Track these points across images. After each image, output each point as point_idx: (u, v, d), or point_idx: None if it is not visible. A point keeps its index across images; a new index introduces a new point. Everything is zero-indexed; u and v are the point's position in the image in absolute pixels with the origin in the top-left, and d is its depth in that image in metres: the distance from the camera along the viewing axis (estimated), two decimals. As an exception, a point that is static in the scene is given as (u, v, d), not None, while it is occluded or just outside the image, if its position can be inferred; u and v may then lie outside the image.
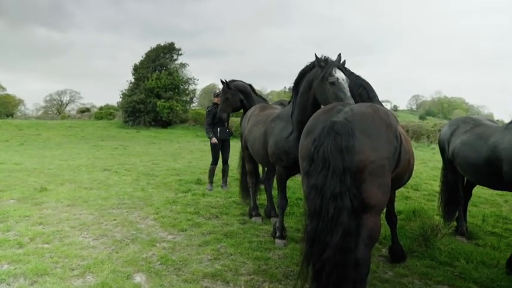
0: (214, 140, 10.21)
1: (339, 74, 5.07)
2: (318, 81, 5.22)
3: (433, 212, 8.04)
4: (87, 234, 6.60)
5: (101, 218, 7.52)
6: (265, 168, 9.18)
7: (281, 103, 8.86)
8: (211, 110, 10.27)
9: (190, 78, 45.16)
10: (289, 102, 6.30)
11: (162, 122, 41.95)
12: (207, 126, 10.35)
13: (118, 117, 47.94)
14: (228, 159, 10.73)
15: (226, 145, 10.63)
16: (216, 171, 10.90)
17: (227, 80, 8.73)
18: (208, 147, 11.66)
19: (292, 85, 5.80)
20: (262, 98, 9.09)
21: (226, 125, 10.44)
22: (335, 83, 5.00)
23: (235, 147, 13.27)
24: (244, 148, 7.72)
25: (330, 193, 3.59)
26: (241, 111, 9.08)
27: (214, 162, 10.63)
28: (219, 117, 8.97)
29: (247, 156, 7.77)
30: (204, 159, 16.15)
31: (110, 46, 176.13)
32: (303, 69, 5.57)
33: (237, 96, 8.67)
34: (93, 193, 9.60)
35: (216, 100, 10.37)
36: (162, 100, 41.64)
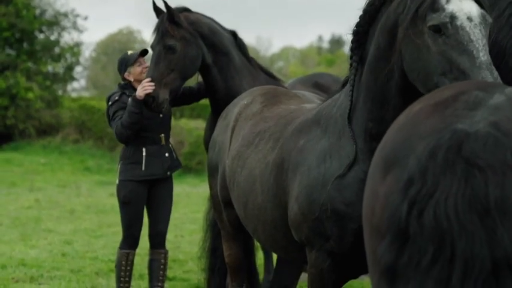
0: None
1: (457, 4, 2.63)
2: (405, 27, 2.74)
3: None
4: None
5: None
6: (273, 260, 5.20)
7: (316, 82, 5.33)
8: (119, 101, 4.57)
9: (65, 14, 20.41)
10: (344, 84, 3.19)
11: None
12: (120, 126, 4.56)
13: None
14: (165, 231, 4.93)
15: (163, 195, 4.81)
16: (134, 265, 4.94)
17: (171, 7, 4.50)
18: (116, 201, 5.10)
19: (351, 36, 3.02)
20: (263, 71, 4.86)
21: (161, 141, 4.70)
22: (447, 31, 2.60)
23: (192, 198, 9.18)
24: (221, 203, 3.97)
25: None
26: (206, 103, 4.98)
27: (130, 242, 4.83)
28: (151, 106, 4.28)
29: (228, 225, 4.01)
30: (109, 235, 8.01)
31: None
32: None
33: (197, 48, 4.48)
34: None
35: (133, 75, 4.58)
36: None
